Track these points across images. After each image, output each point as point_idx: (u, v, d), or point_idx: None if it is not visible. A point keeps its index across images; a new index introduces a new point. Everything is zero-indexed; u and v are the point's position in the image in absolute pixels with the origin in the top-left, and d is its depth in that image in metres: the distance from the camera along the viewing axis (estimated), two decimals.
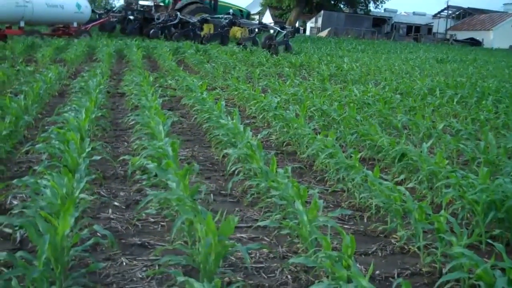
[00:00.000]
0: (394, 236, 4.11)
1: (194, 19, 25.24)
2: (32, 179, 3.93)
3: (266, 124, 7.81)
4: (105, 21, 27.12)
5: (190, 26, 24.94)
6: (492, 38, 63.00)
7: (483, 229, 3.99)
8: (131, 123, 6.93)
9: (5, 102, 6.35)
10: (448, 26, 70.82)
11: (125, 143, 6.51)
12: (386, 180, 4.76)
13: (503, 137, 6.75)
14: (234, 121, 6.14)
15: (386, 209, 4.24)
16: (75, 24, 23.52)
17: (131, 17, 27.55)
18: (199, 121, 7.48)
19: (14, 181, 4.00)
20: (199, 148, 6.55)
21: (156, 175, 4.52)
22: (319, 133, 6.19)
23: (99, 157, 4.91)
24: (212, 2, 30.51)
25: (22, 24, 21.21)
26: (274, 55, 19.14)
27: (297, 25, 29.68)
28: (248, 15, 33.98)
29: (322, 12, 57.84)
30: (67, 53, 14.59)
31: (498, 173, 5.24)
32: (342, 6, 66.46)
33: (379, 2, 65.16)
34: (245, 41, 22.73)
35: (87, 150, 4.77)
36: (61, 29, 23.64)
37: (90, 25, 25.14)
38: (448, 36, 65.36)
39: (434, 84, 11.68)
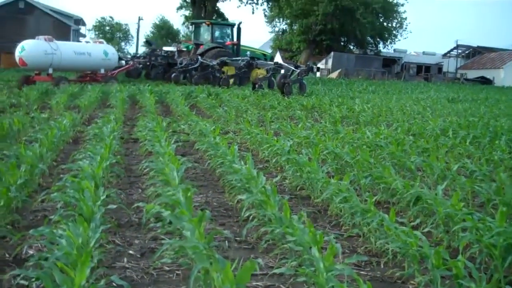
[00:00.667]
0: (412, 282, 4.07)
1: (214, 62, 25.74)
2: (47, 229, 3.96)
3: (279, 168, 7.82)
4: (131, 67, 28.35)
5: (210, 69, 25.44)
6: (503, 76, 63.12)
7: (502, 274, 3.93)
8: (145, 170, 6.96)
9: (20, 151, 6.44)
10: (458, 65, 71.09)
11: (139, 190, 6.53)
12: (402, 224, 4.73)
13: None
14: (247, 166, 6.15)
15: (403, 255, 4.20)
16: (102, 71, 24.22)
17: (155, 63, 28.80)
18: (213, 166, 7.50)
19: (30, 231, 4.02)
20: (213, 193, 6.56)
21: (170, 223, 4.53)
22: (333, 176, 6.19)
23: (114, 206, 4.93)
24: (234, 47, 31.24)
25: (50, 71, 22.08)
26: (286, 97, 19.30)
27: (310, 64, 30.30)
28: (271, 59, 34.59)
29: (332, 53, 58.35)
30: (81, 100, 14.77)
31: None
32: (351, 47, 67.07)
33: (388, 42, 65.65)
34: (261, 81, 22.93)
35: (101, 198, 4.79)
36: (89, 75, 24.31)
37: (117, 71, 26.02)
38: (458, 75, 65.55)
39: (447, 125, 11.68)
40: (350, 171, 6.88)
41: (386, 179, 6.11)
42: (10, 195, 4.97)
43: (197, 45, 31.39)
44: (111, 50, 25.32)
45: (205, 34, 32.36)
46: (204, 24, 32.77)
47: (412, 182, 5.95)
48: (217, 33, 32.51)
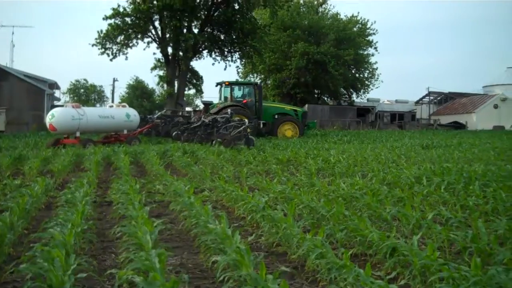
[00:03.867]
0: None
1: (207, 120, 26.09)
2: None
3: (255, 225, 7.74)
4: (152, 127, 30.46)
5: (202, 128, 25.71)
6: (475, 120, 64.27)
7: None
8: (118, 234, 6.84)
9: None
10: (431, 112, 72.24)
11: (113, 255, 6.39)
12: (378, 277, 4.68)
13: (493, 223, 6.71)
14: (222, 225, 6.07)
15: None
16: (125, 131, 26.31)
17: (175, 122, 30.30)
18: (187, 226, 7.41)
19: None
20: (188, 254, 6.45)
21: None
22: (309, 231, 6.14)
23: (84, 275, 4.81)
24: (257, 103, 32.61)
25: (78, 134, 23.79)
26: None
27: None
28: (303, 114, 35.49)
29: (306, 105, 58.99)
30: (54, 164, 14.63)
31: (491, 262, 5.17)
32: (325, 98, 67.97)
33: (361, 92, 66.67)
34: (216, 138, 23.14)
35: (72, 267, 4.67)
36: (113, 136, 26.38)
37: (138, 130, 27.65)
38: (432, 121, 66.54)
39: (421, 172, 11.74)
40: (326, 225, 6.85)
41: (362, 231, 6.08)
42: None
43: (206, 105, 33.57)
44: (132, 112, 27.35)
45: (226, 94, 33.84)
46: (224, 84, 34.05)
47: (388, 233, 5.94)
48: (236, 92, 34.07)
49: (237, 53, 49.85)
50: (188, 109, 34.39)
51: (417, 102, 76.19)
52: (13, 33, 79.33)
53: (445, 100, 76.17)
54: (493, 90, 74.03)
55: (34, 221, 8.28)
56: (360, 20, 65.45)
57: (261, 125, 31.38)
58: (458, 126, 62.53)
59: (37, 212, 8.88)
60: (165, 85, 51.54)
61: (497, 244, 5.59)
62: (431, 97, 75.59)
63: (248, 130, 22.93)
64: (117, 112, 26.42)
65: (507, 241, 5.89)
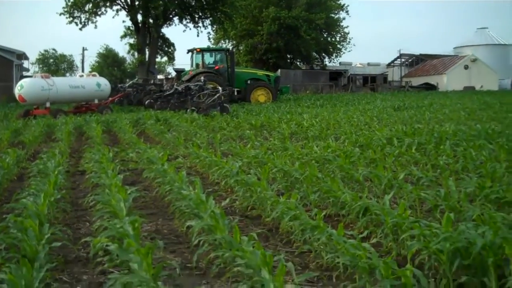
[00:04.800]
0: None
1: (180, 88, 25.92)
2: None
3: (229, 190, 7.78)
4: (123, 96, 30.28)
5: (175, 95, 25.59)
6: (446, 81, 64.72)
7: (451, 278, 3.97)
8: (92, 202, 6.82)
9: None
10: (403, 74, 72.54)
11: (87, 223, 6.40)
12: (351, 236, 4.75)
13: (463, 181, 6.82)
14: (196, 191, 6.09)
15: (353, 267, 4.20)
16: (96, 101, 26.32)
17: (147, 90, 30.26)
18: (161, 193, 7.41)
19: None
20: (163, 221, 6.48)
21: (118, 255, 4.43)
22: (283, 194, 6.19)
23: (59, 243, 4.80)
24: (229, 69, 32.36)
25: (48, 104, 23.81)
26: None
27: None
28: (276, 79, 35.36)
29: (279, 70, 58.83)
30: (25, 135, 14.46)
31: (461, 218, 5.27)
32: (298, 63, 67.83)
33: (333, 57, 66.63)
34: (192, 106, 23.03)
35: (46, 236, 4.66)
36: (84, 106, 26.36)
37: (109, 100, 27.58)
38: (403, 83, 66.85)
39: (393, 134, 11.86)
40: (299, 188, 6.91)
41: (334, 192, 6.15)
42: None
43: (178, 72, 33.79)
44: (103, 81, 27.27)
45: (198, 60, 33.43)
46: (195, 51, 33.59)
47: (361, 194, 6.01)
48: (208, 59, 33.73)
49: (208, 19, 49.28)
50: (160, 77, 34.08)
51: (389, 65, 76.39)
52: None
53: (416, 62, 76.48)
54: (463, 51, 74.53)
55: (6, 192, 8.21)
56: None
57: (235, 93, 31.16)
58: (429, 87, 62.96)
59: (9, 184, 8.80)
60: (136, 53, 50.90)
61: (467, 201, 5.71)
62: (403, 60, 75.84)
63: (223, 98, 22.82)
64: (87, 82, 26.21)
65: (477, 198, 5.99)
